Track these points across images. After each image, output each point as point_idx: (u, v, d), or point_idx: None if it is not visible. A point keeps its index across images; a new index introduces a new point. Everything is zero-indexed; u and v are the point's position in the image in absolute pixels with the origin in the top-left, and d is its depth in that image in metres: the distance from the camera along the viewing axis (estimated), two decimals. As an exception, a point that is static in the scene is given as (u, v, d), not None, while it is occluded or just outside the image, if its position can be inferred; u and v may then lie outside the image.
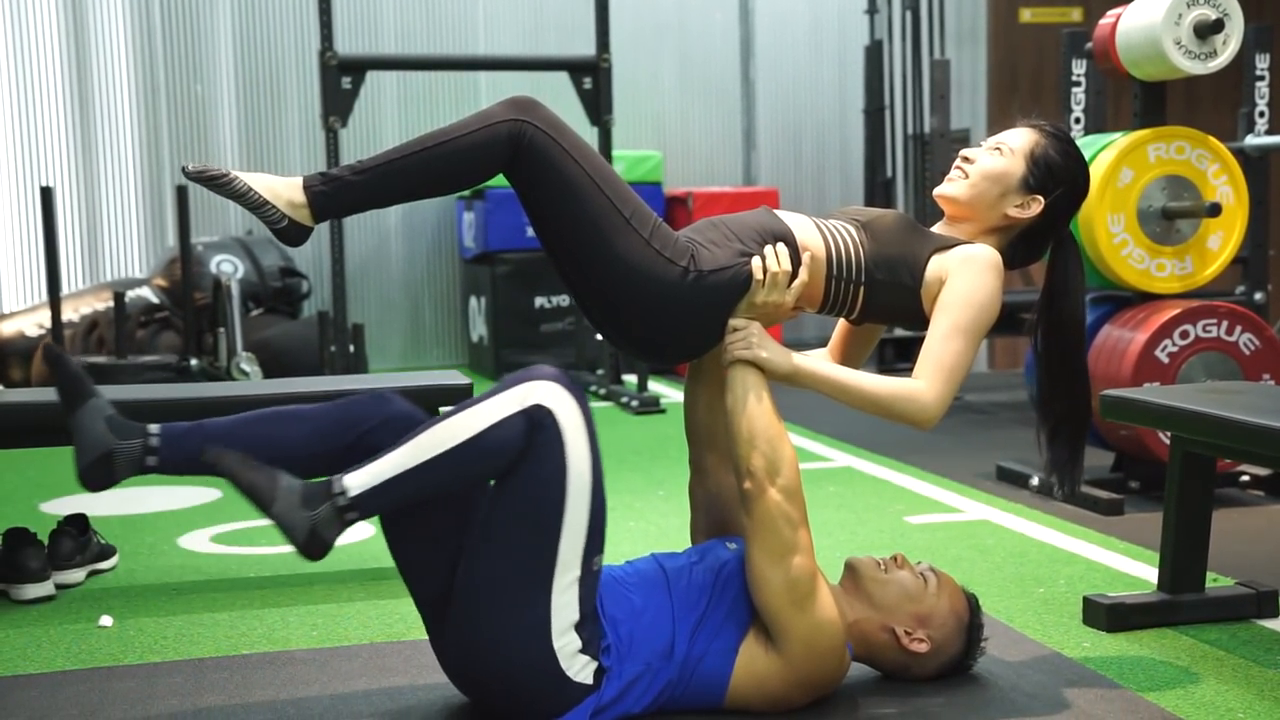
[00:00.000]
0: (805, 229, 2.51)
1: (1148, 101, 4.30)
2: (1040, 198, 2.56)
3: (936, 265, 2.47)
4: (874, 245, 2.50)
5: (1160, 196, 4.20)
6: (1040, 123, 2.65)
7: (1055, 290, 2.61)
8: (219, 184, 2.31)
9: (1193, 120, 4.71)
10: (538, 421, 2.26)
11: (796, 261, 2.46)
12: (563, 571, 2.29)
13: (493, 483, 2.34)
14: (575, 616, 2.31)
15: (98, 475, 2.31)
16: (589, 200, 2.36)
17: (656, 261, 2.38)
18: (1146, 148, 4.19)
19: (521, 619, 2.29)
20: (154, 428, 2.32)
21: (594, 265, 2.39)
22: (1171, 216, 4.19)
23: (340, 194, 2.34)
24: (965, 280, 2.43)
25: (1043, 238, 2.62)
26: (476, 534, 2.33)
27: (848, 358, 2.71)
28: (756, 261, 2.43)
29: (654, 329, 2.44)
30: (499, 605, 2.30)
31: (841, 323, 2.71)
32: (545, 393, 2.28)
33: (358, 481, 2.25)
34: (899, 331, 6.65)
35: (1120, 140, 4.23)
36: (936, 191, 2.62)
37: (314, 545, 2.26)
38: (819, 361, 2.50)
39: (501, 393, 2.29)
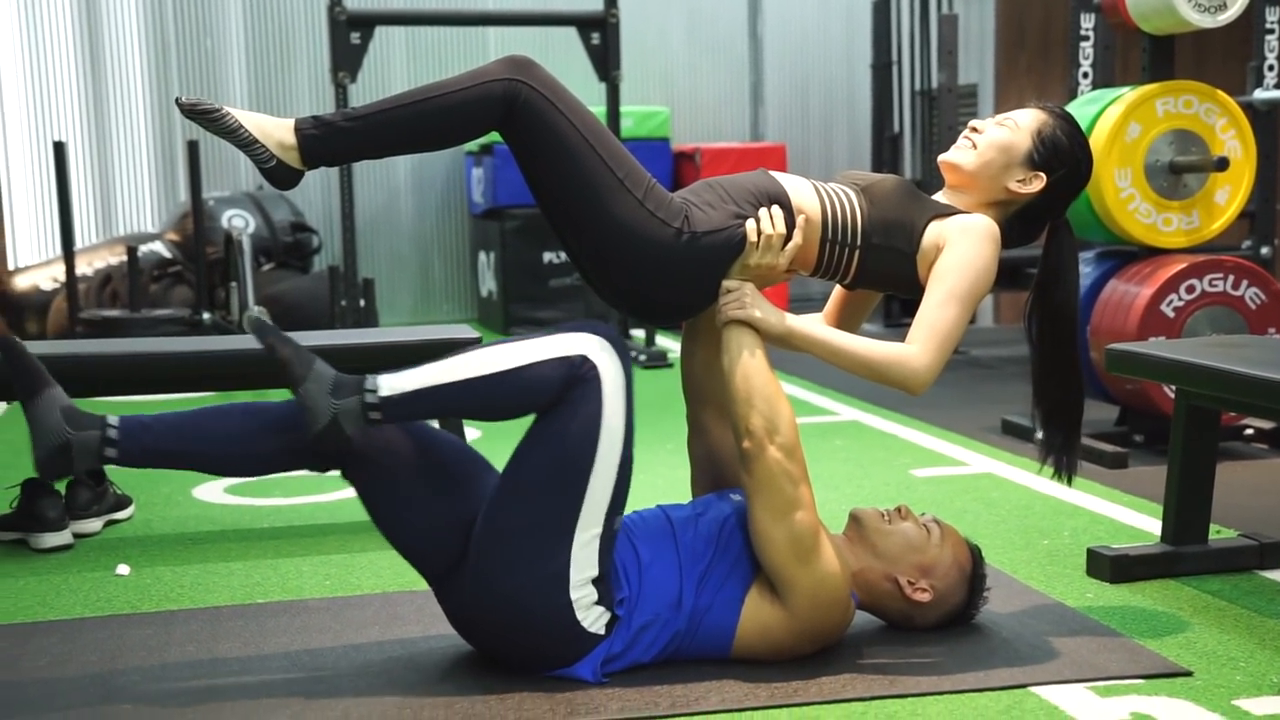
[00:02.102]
0: (802, 191, 2.51)
1: (1156, 56, 4.27)
2: (1043, 175, 2.55)
3: (934, 232, 2.46)
4: (873, 209, 2.49)
5: (1168, 151, 4.18)
6: (1049, 105, 2.65)
7: (1049, 276, 2.61)
8: (210, 118, 2.30)
9: (1201, 74, 4.69)
10: (580, 374, 2.28)
11: (791, 224, 2.46)
12: (585, 526, 2.31)
13: (528, 428, 2.35)
14: (593, 572, 2.34)
15: (55, 466, 2.30)
16: (583, 161, 2.36)
17: (650, 222, 2.38)
18: (1154, 102, 4.17)
19: (541, 569, 2.31)
20: (113, 419, 2.31)
21: (587, 225, 2.39)
22: (1179, 171, 4.17)
23: (330, 139, 2.32)
24: (963, 248, 2.43)
25: (1040, 218, 2.61)
26: (504, 482, 2.35)
27: (843, 323, 2.71)
28: (751, 224, 2.43)
29: (647, 288, 2.44)
30: (521, 554, 2.32)
31: (837, 289, 2.71)
32: (592, 347, 2.30)
33: (390, 384, 2.27)
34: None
35: (1128, 95, 4.21)
36: (942, 158, 2.62)
37: (331, 435, 2.27)
38: (812, 323, 2.51)
39: (549, 336, 2.31)
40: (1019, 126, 2.58)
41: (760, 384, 2.39)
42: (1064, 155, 2.57)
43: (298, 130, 2.32)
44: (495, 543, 2.34)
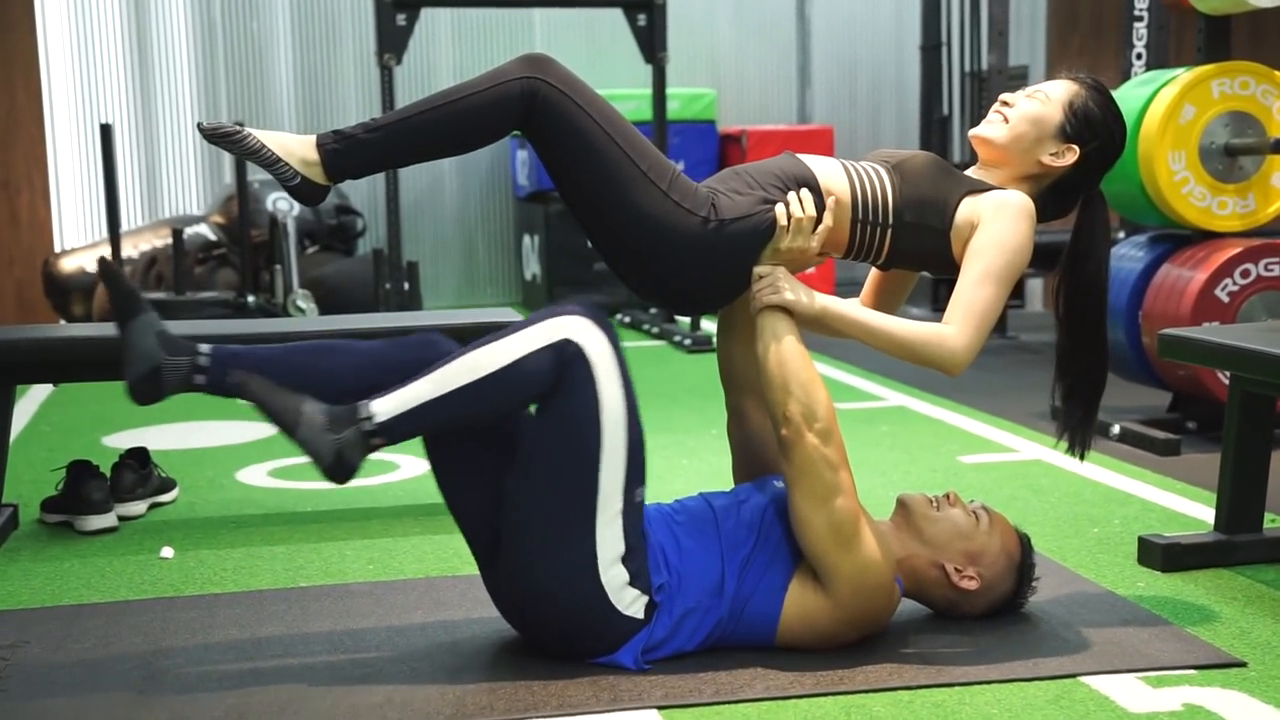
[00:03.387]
0: (830, 172, 2.48)
1: (1212, 36, 4.22)
2: (1076, 148, 2.52)
3: (968, 209, 2.44)
4: (905, 186, 2.47)
5: (1223, 133, 4.13)
6: (1081, 75, 2.61)
7: (1080, 249, 2.57)
8: (232, 140, 2.31)
9: (1258, 55, 4.60)
10: (567, 357, 2.27)
11: (821, 206, 2.44)
12: (605, 505, 2.31)
13: (529, 419, 2.35)
14: (621, 549, 2.33)
15: (146, 389, 2.31)
16: (605, 155, 2.35)
17: (676, 212, 2.37)
18: (1210, 83, 4.12)
19: (569, 554, 2.31)
20: (205, 347, 2.32)
21: (614, 219, 2.38)
22: (1234, 153, 4.12)
23: (353, 152, 2.33)
24: (998, 226, 2.40)
25: (1074, 191, 2.57)
26: (517, 474, 2.34)
27: (881, 305, 2.68)
28: (780, 208, 2.41)
29: (679, 279, 2.43)
30: (545, 542, 2.32)
31: (873, 271, 2.69)
32: (574, 328, 2.29)
33: (384, 407, 2.27)
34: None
35: (1183, 76, 4.16)
36: (972, 133, 2.59)
37: (339, 469, 2.28)
38: (847, 304, 2.49)
39: (529, 327, 2.30)
40: (1050, 99, 2.54)
41: (795, 369, 2.37)
42: (1097, 126, 2.53)
43: (319, 146, 2.33)
44: (520, 535, 2.35)
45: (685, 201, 2.39)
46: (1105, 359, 2.62)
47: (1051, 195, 2.57)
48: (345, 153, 2.33)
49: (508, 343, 2.29)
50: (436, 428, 2.33)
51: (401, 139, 2.35)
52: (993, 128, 2.55)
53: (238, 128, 2.32)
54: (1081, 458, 2.64)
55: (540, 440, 2.32)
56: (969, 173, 2.58)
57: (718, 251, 2.40)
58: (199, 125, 2.32)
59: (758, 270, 2.44)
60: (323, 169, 2.34)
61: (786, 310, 2.41)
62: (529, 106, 2.34)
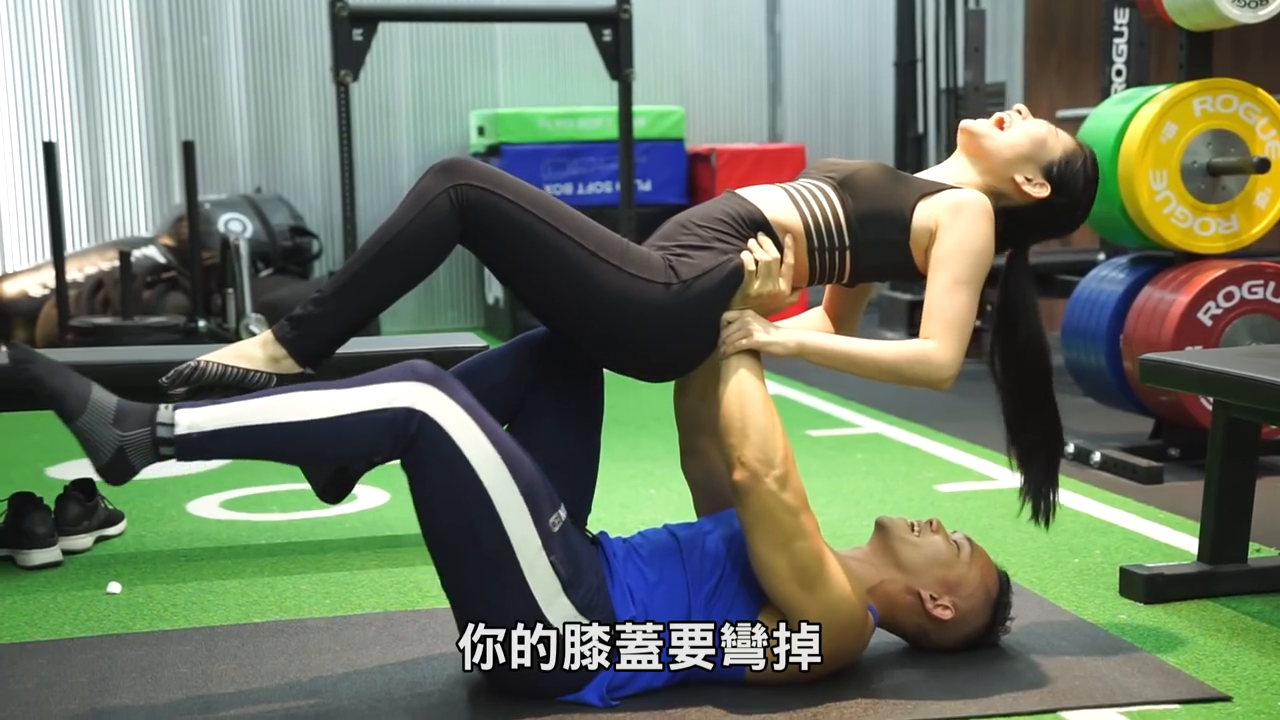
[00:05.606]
0: (777, 204, 2.46)
1: (1194, 52, 4.21)
2: (1049, 189, 2.53)
3: (924, 213, 2.43)
4: (855, 203, 2.46)
5: (1205, 152, 4.13)
6: (1086, 145, 2.63)
7: (1013, 310, 2.56)
8: (195, 379, 2.25)
9: (1241, 72, 4.61)
10: (413, 427, 2.21)
11: (780, 245, 2.43)
12: (522, 548, 2.26)
13: (415, 508, 2.30)
14: (557, 582, 2.28)
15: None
16: (548, 244, 2.31)
17: (634, 285, 2.33)
18: (1192, 101, 4.11)
19: (508, 606, 2.28)
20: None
21: (575, 307, 2.35)
22: (1217, 173, 4.11)
23: (314, 332, 2.30)
24: (958, 230, 2.40)
25: (1014, 233, 2.55)
26: (430, 545, 2.31)
27: (844, 310, 2.69)
28: (746, 255, 2.39)
29: (658, 352, 2.40)
30: (481, 602, 2.29)
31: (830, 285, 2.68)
32: (417, 395, 2.23)
33: (189, 420, 2.18)
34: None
35: (1164, 93, 4.16)
36: (966, 123, 2.59)
37: (115, 469, 2.19)
38: (824, 336, 2.47)
39: (371, 385, 2.24)
40: (1057, 137, 2.57)
41: (754, 414, 2.32)
42: (1074, 186, 2.56)
43: (280, 340, 2.30)
44: (458, 596, 2.33)
45: (644, 272, 2.35)
46: (1058, 418, 2.60)
47: (999, 223, 2.54)
48: (306, 336, 2.30)
49: (342, 394, 2.23)
50: (239, 455, 2.25)
51: (353, 300, 2.31)
52: (988, 126, 2.57)
53: (192, 364, 2.26)
54: (1046, 526, 2.63)
55: (435, 516, 2.28)
56: (934, 168, 2.60)
57: (688, 313, 2.37)
58: (162, 386, 2.26)
59: (726, 316, 2.40)
60: (294, 359, 2.30)
61: (753, 353, 2.39)
62: (462, 217, 2.30)
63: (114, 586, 3.16)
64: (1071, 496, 3.85)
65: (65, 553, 3.41)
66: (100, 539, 3.56)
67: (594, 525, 2.54)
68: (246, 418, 2.19)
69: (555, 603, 2.28)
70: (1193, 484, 3.78)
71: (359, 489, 3.99)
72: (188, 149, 6.20)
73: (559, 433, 2.45)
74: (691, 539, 2.45)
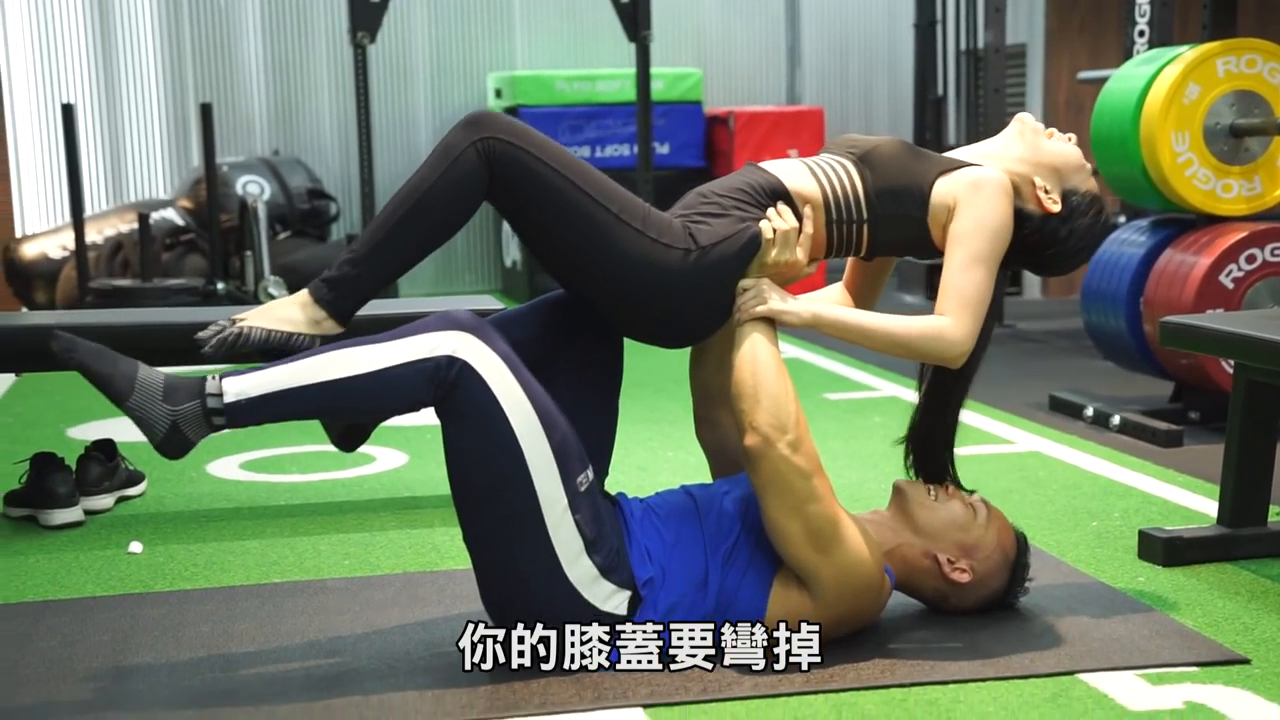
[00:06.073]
0: (797, 176, 2.47)
1: (1217, 12, 4.19)
2: (1059, 210, 2.51)
3: (942, 189, 2.44)
4: (874, 178, 2.47)
5: (1229, 113, 4.10)
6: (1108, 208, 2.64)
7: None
8: (237, 342, 2.27)
9: (1266, 32, 4.57)
10: (453, 375, 2.22)
11: (798, 215, 2.43)
12: (549, 507, 2.26)
13: (445, 455, 2.30)
14: (580, 542, 2.29)
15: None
16: (573, 205, 2.32)
17: (656, 250, 2.34)
18: (1215, 61, 4.08)
19: (530, 564, 2.28)
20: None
21: (598, 271, 2.35)
22: (1240, 134, 4.09)
23: (351, 293, 2.32)
24: (977, 207, 2.41)
25: (1012, 245, 2.50)
26: (457, 498, 2.32)
27: (864, 287, 2.68)
28: (764, 224, 2.39)
29: (676, 317, 2.41)
30: (505, 556, 2.30)
31: (852, 258, 2.67)
32: (456, 343, 2.24)
33: (237, 388, 2.20)
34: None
35: (1187, 54, 4.12)
36: (1027, 115, 2.60)
37: (172, 444, 2.21)
38: (838, 308, 2.48)
39: (411, 336, 2.25)
40: (1092, 177, 2.58)
41: (767, 380, 2.33)
42: (1080, 221, 2.53)
43: (318, 301, 2.31)
44: (481, 552, 2.33)
45: (663, 237, 2.36)
46: (955, 423, 2.63)
47: None
48: (344, 296, 2.32)
49: (384, 348, 2.24)
50: (288, 418, 2.27)
51: (389, 259, 2.33)
52: (1046, 131, 2.57)
53: (237, 329, 2.27)
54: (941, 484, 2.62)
55: (465, 465, 2.28)
56: (962, 149, 2.58)
57: (704, 279, 2.38)
58: (202, 350, 2.27)
59: (743, 283, 2.41)
60: (333, 319, 2.32)
61: (769, 321, 2.39)
62: (490, 170, 2.30)
63: (135, 546, 3.18)
64: (1090, 459, 3.86)
65: (87, 513, 3.44)
66: (121, 499, 3.59)
67: (611, 487, 2.54)
68: (293, 379, 2.21)
69: (578, 563, 2.29)
70: (1212, 447, 3.76)
71: (378, 450, 4.03)
72: (205, 111, 6.20)
73: (578, 394, 2.45)
74: (708, 500, 2.46)
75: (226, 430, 2.24)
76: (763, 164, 2.52)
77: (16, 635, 2.56)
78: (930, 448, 2.62)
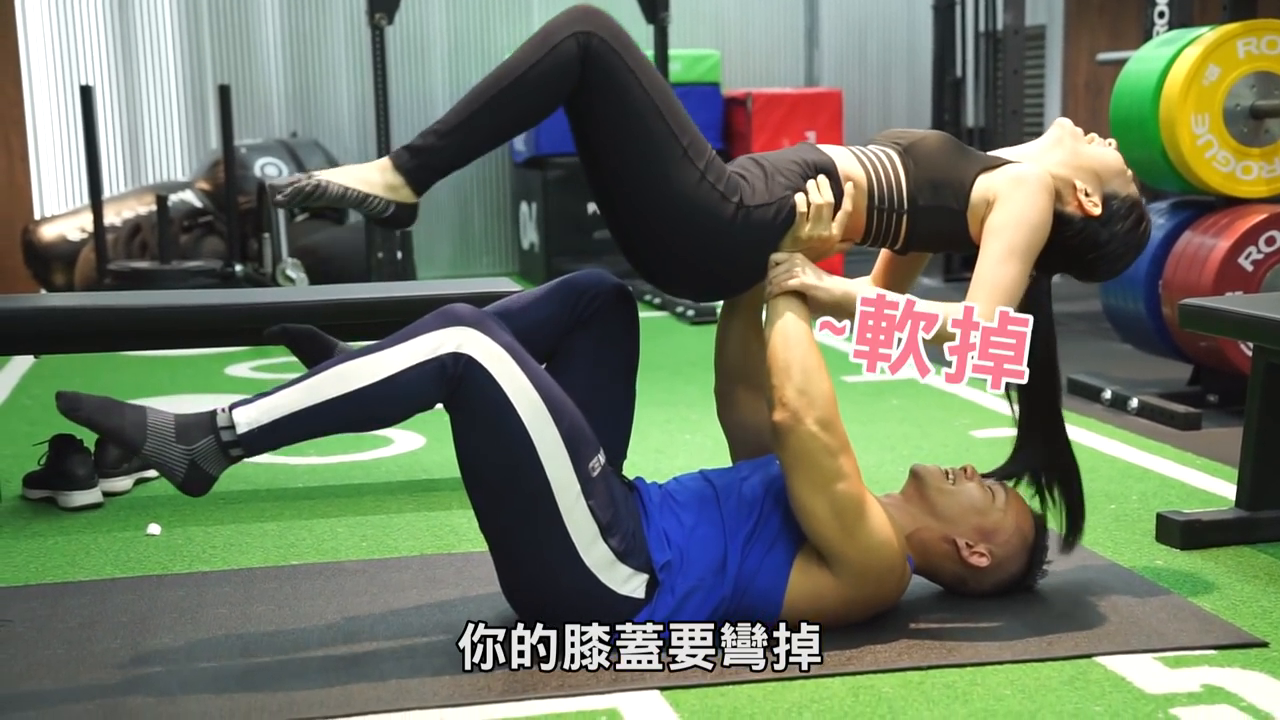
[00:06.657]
0: (846, 159, 2.48)
1: None
2: (1099, 213, 2.50)
3: (983, 186, 2.44)
4: (917, 170, 2.47)
5: (1249, 95, 4.09)
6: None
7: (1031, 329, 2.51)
8: (314, 195, 2.26)
9: None
10: (459, 371, 2.21)
11: (839, 193, 2.43)
12: (562, 493, 2.26)
13: (456, 448, 2.30)
14: (596, 526, 2.29)
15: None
16: (648, 127, 2.31)
17: (710, 197, 2.34)
18: (1235, 42, 4.07)
19: (546, 548, 2.28)
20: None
21: (646, 196, 2.34)
22: (1260, 116, 4.08)
23: (433, 164, 2.31)
24: (1016, 202, 2.40)
25: (1047, 251, 2.49)
26: (471, 488, 2.31)
27: (893, 284, 2.66)
28: (800, 196, 2.39)
29: (695, 263, 2.40)
30: (520, 548, 2.31)
31: (884, 252, 2.67)
32: (459, 338, 2.22)
33: (248, 416, 2.18)
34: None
35: (1207, 35, 4.11)
36: (1066, 120, 2.60)
37: (194, 482, 2.20)
38: (869, 287, 2.47)
39: (413, 338, 2.23)
40: (1133, 189, 2.56)
41: (800, 355, 2.33)
42: (1119, 226, 2.52)
43: (398, 168, 2.30)
44: (496, 545, 2.35)
45: (719, 185, 2.36)
46: (1067, 438, 2.63)
47: None
48: (426, 166, 2.31)
49: (388, 354, 2.22)
50: (304, 438, 2.25)
51: (475, 135, 2.31)
52: (1086, 136, 2.56)
53: (314, 182, 2.26)
54: (1070, 548, 2.62)
55: (476, 457, 2.28)
56: (1003, 150, 2.57)
57: (741, 239, 2.38)
58: (274, 198, 2.26)
59: (774, 257, 2.41)
60: (410, 188, 2.31)
61: (801, 296, 2.38)
62: (584, 66, 2.28)
63: (154, 528, 3.19)
64: (1108, 442, 3.85)
65: (105, 494, 3.44)
66: (140, 481, 3.59)
67: (629, 470, 2.54)
68: (303, 400, 2.19)
69: (593, 548, 2.29)
70: (1231, 430, 3.76)
71: (396, 433, 4.03)
72: (224, 93, 6.20)
73: (595, 377, 2.45)
74: (728, 485, 2.45)
75: (246, 460, 2.22)
76: (819, 145, 2.52)
77: (36, 616, 2.57)
78: (1057, 469, 2.62)
